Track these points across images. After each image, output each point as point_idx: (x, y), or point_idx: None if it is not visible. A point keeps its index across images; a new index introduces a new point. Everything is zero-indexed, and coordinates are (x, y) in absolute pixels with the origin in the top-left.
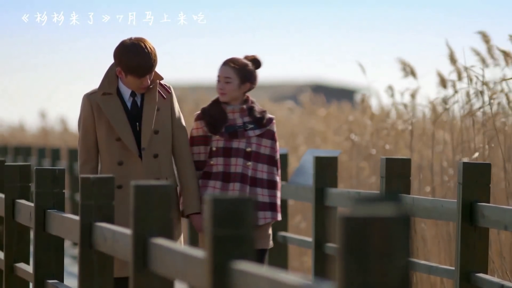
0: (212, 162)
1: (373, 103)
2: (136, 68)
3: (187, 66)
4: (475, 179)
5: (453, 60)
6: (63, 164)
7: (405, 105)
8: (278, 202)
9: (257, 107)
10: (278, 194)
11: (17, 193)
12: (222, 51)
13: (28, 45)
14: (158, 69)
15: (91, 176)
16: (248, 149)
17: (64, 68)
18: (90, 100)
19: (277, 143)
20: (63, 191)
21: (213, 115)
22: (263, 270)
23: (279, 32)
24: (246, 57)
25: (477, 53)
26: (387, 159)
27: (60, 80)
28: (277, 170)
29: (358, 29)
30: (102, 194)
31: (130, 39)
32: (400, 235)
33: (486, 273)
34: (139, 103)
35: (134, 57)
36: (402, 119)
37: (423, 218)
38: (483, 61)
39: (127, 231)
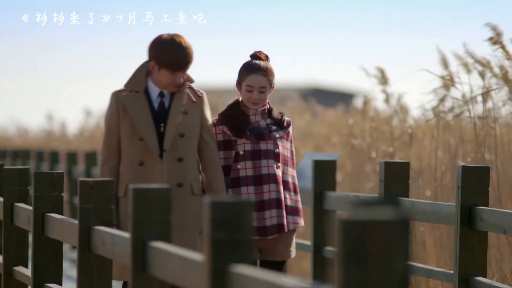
0: (239, 167)
1: (374, 107)
2: (172, 61)
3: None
4: (474, 182)
5: (445, 65)
6: (62, 167)
7: (404, 109)
8: (301, 206)
9: (275, 109)
10: (299, 197)
11: (15, 197)
12: (222, 51)
13: (28, 45)
14: None
15: (89, 179)
16: (276, 151)
17: (64, 69)
18: (117, 98)
19: (293, 145)
20: (62, 194)
21: (237, 119)
22: (262, 274)
23: (278, 33)
24: (259, 56)
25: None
26: (386, 162)
27: (60, 81)
28: (295, 172)
29: (357, 31)
30: (101, 198)
31: (168, 34)
32: (399, 238)
33: (485, 276)
34: (166, 104)
35: (171, 50)
36: (402, 122)
37: (422, 221)
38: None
39: (126, 235)
